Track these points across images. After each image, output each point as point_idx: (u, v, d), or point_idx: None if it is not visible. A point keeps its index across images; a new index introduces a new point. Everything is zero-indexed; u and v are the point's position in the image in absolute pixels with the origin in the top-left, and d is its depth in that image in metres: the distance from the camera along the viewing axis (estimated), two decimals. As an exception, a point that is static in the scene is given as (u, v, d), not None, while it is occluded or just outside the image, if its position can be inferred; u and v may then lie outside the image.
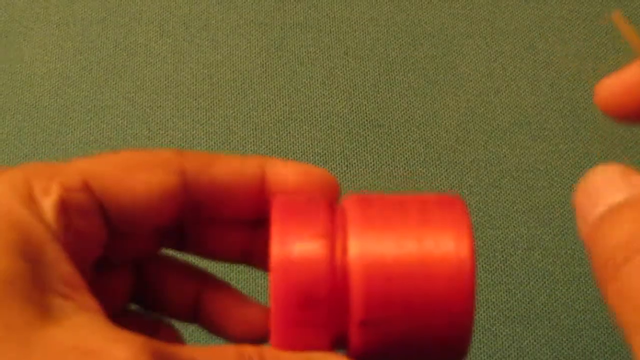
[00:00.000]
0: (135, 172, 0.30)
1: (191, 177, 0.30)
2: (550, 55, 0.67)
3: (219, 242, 0.34)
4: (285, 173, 0.32)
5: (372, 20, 0.68)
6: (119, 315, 0.33)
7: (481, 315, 0.57)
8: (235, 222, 0.34)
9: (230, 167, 0.31)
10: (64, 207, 0.28)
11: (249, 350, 0.27)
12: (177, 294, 0.34)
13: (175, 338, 0.35)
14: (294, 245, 0.28)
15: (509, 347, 0.56)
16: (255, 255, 0.34)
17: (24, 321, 0.25)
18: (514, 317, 0.56)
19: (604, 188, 0.25)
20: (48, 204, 0.27)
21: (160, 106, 0.64)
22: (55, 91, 0.65)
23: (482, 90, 0.65)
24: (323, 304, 0.28)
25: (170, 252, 0.35)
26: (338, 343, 0.30)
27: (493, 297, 0.58)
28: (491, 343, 0.56)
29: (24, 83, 0.65)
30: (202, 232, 0.34)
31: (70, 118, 0.64)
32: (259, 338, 0.34)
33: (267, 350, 0.28)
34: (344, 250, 0.28)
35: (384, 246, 0.28)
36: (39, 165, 0.29)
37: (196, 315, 0.35)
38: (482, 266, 0.59)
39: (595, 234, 0.24)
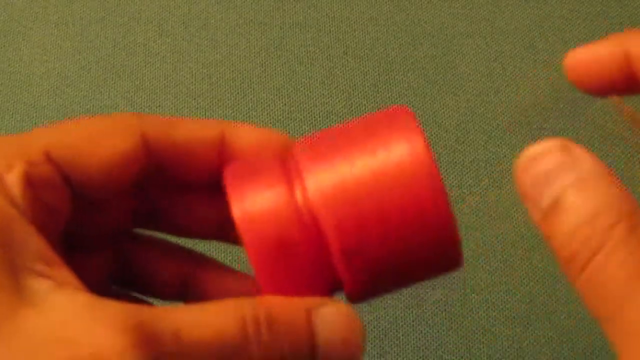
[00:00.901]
0: (97, 139, 0.29)
1: (152, 140, 0.30)
2: (551, 55, 0.66)
3: (191, 216, 0.34)
4: (244, 136, 0.32)
5: (371, 19, 0.68)
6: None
7: (481, 315, 0.57)
8: (206, 195, 0.33)
9: (190, 130, 0.31)
10: (29, 182, 0.27)
11: (251, 304, 0.27)
12: (164, 274, 0.34)
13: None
14: (253, 199, 0.28)
15: (508, 347, 0.56)
16: (232, 229, 0.34)
17: None
18: (514, 317, 0.56)
19: (550, 169, 0.25)
20: (12, 180, 0.27)
21: (159, 106, 0.64)
22: (54, 91, 0.65)
23: (482, 90, 0.65)
24: (299, 246, 0.28)
25: (150, 233, 0.35)
26: (334, 290, 0.29)
27: (493, 297, 0.58)
28: (491, 343, 0.56)
29: (22, 83, 0.65)
30: (173, 207, 0.33)
31: (69, 117, 0.64)
32: None
33: (268, 299, 0.27)
34: (303, 189, 0.28)
35: (338, 172, 0.28)
36: (3, 140, 0.28)
37: (184, 294, 0.34)
38: (482, 266, 0.59)
39: (552, 222, 0.24)
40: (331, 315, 0.28)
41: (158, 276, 0.34)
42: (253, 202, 0.28)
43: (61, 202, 0.29)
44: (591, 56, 0.28)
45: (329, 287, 0.29)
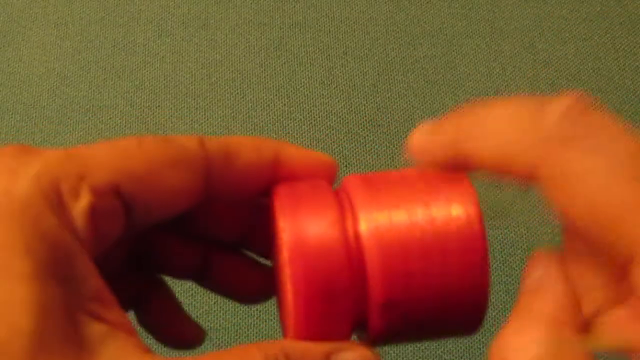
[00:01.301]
0: (162, 172, 0.28)
1: (215, 173, 0.30)
2: (550, 55, 0.66)
3: (219, 222, 0.34)
4: (297, 158, 0.31)
5: (371, 20, 0.68)
6: (118, 273, 0.32)
7: (481, 315, 0.57)
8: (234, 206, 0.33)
9: (249, 155, 0.30)
10: (94, 214, 0.26)
11: (272, 347, 0.27)
12: (183, 253, 0.34)
13: (168, 295, 0.35)
14: (308, 233, 0.27)
15: (508, 347, 0.56)
16: (254, 238, 0.34)
17: None
18: (514, 318, 0.56)
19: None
20: (78, 211, 0.26)
21: (158, 106, 0.64)
22: (53, 91, 0.65)
23: (481, 90, 0.65)
24: (345, 294, 0.27)
25: None
26: (357, 328, 0.29)
27: (493, 297, 0.57)
28: (491, 343, 0.56)
29: (22, 83, 0.65)
30: (205, 214, 0.33)
31: (69, 118, 0.64)
32: (266, 299, 0.34)
33: (289, 344, 0.28)
34: (356, 232, 0.28)
35: (394, 216, 0.28)
36: (64, 158, 0.27)
37: (203, 275, 0.34)
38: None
39: None
40: (351, 357, 0.28)
41: (177, 255, 0.34)
42: (307, 235, 0.27)
43: (119, 231, 0.28)
44: (430, 144, 0.29)
45: (354, 327, 0.29)
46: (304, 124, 0.64)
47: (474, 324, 0.30)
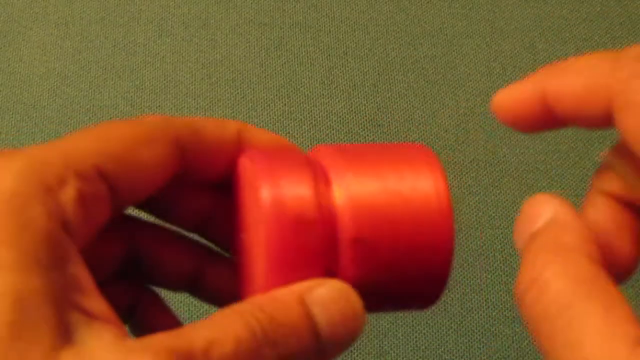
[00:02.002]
0: (139, 149, 0.29)
1: (184, 145, 0.31)
2: (550, 55, 0.66)
3: (183, 206, 0.34)
4: (259, 137, 0.33)
5: (371, 20, 0.68)
6: (108, 282, 0.33)
7: (481, 315, 0.57)
8: (198, 188, 0.34)
9: (214, 130, 0.32)
10: (83, 199, 0.26)
11: (248, 306, 0.27)
12: (174, 263, 0.34)
13: (158, 303, 0.35)
14: (284, 192, 0.29)
15: (508, 347, 0.56)
16: (214, 223, 0.34)
17: (42, 353, 0.24)
18: (514, 317, 0.56)
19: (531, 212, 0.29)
20: (66, 197, 0.26)
21: (159, 106, 0.64)
22: (54, 91, 0.65)
23: (481, 90, 0.65)
24: (314, 224, 0.28)
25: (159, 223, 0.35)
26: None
27: (493, 297, 0.58)
28: (491, 343, 0.56)
29: (22, 83, 0.65)
30: (169, 198, 0.34)
31: (69, 118, 0.64)
32: None
33: (261, 297, 0.28)
34: (329, 196, 0.29)
35: (365, 180, 0.29)
36: (47, 150, 0.27)
37: (194, 284, 0.35)
38: (482, 266, 0.59)
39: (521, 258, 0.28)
40: (325, 295, 0.28)
41: (168, 266, 0.34)
42: (282, 189, 0.29)
43: (104, 214, 0.28)
44: (514, 96, 0.30)
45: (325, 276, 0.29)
46: (304, 124, 0.64)
47: (436, 290, 0.31)
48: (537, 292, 0.26)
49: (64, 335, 0.24)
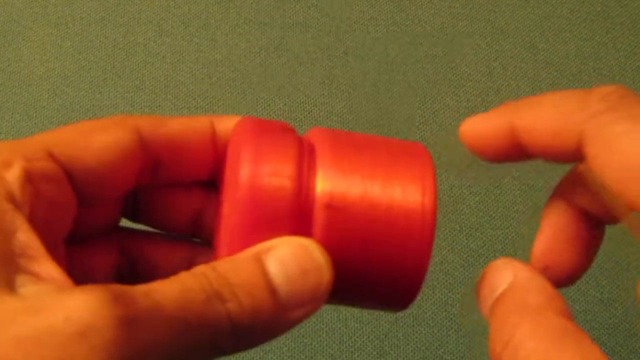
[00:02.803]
0: (93, 134, 0.30)
1: (146, 134, 0.31)
2: (551, 54, 0.66)
3: (170, 207, 0.34)
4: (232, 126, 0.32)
5: (371, 19, 0.68)
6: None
7: (481, 315, 0.57)
8: (187, 187, 0.34)
9: (181, 123, 0.32)
10: (29, 178, 0.28)
11: (200, 269, 0.27)
12: (167, 264, 0.35)
13: None
14: (263, 170, 0.28)
15: (509, 347, 0.56)
16: (205, 224, 0.34)
17: None
18: (514, 318, 0.56)
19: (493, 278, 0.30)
20: (10, 176, 0.27)
21: (159, 106, 0.64)
22: (53, 91, 0.65)
23: (482, 89, 0.65)
24: (285, 190, 0.28)
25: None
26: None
27: (493, 298, 0.58)
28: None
29: (22, 83, 0.65)
30: (154, 199, 0.34)
31: (69, 118, 0.64)
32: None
33: (217, 261, 0.28)
34: (311, 169, 0.29)
35: (349, 190, 0.29)
36: (0, 143, 0.29)
37: None
38: (482, 266, 0.59)
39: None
40: (284, 252, 0.28)
41: (161, 267, 0.34)
42: (261, 168, 0.28)
43: (65, 198, 0.29)
44: (482, 128, 0.31)
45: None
46: (305, 124, 0.64)
47: (407, 292, 0.30)
48: (511, 354, 0.26)
49: (7, 289, 0.25)
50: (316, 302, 0.28)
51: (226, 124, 0.32)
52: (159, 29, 0.67)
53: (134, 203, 0.34)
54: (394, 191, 0.29)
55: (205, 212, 0.34)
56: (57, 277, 0.26)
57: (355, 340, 0.58)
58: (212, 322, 0.26)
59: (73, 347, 0.23)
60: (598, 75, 0.65)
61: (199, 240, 0.36)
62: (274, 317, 0.27)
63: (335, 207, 0.28)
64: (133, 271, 0.35)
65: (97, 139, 0.30)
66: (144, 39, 0.67)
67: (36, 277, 0.26)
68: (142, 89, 0.65)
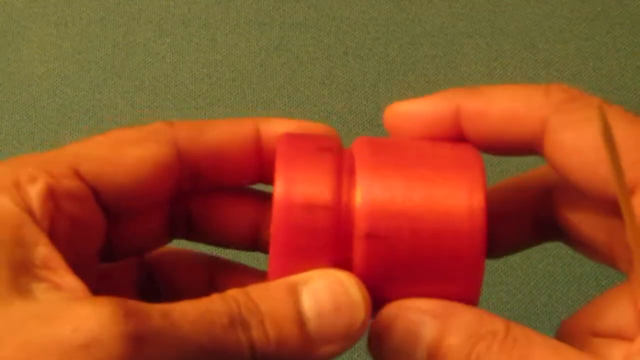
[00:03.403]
0: (125, 149, 0.29)
1: (184, 145, 0.30)
2: (551, 54, 0.66)
3: (225, 222, 0.33)
4: (280, 130, 0.31)
5: (371, 19, 0.68)
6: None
7: (481, 315, 0.57)
8: (242, 197, 0.33)
9: (222, 130, 0.30)
10: (51, 194, 0.27)
11: (232, 293, 0.26)
12: (190, 282, 0.34)
13: None
14: (297, 190, 0.27)
15: (509, 347, 0.56)
16: (265, 234, 0.33)
17: None
18: (514, 318, 0.56)
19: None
20: (34, 191, 0.27)
21: (159, 106, 0.64)
22: (53, 91, 0.65)
23: (482, 89, 0.65)
24: (325, 229, 0.27)
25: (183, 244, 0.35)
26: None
27: (493, 297, 0.57)
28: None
29: (22, 83, 0.65)
30: (207, 213, 0.33)
31: (69, 118, 0.64)
32: None
33: (251, 285, 0.27)
34: (350, 194, 0.28)
35: (392, 185, 0.28)
36: (28, 156, 0.29)
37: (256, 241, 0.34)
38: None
39: None
40: (319, 285, 0.27)
41: (183, 285, 0.34)
42: (296, 187, 0.27)
43: (91, 215, 0.29)
44: (420, 109, 0.30)
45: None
46: (305, 124, 0.64)
47: (468, 290, 0.29)
48: None
49: (21, 292, 0.25)
50: (349, 339, 0.27)
51: (273, 128, 0.31)
52: (159, 29, 0.67)
53: (188, 220, 0.33)
54: (439, 211, 0.28)
55: (264, 223, 0.33)
56: (77, 288, 0.26)
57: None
58: (231, 348, 0.25)
59: (77, 358, 0.23)
60: (598, 75, 0.65)
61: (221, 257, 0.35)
62: (300, 351, 0.26)
63: (375, 236, 0.27)
64: (153, 283, 0.34)
65: (130, 154, 0.29)
66: (143, 39, 0.67)
67: (56, 286, 0.25)
68: (142, 89, 0.65)
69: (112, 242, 0.31)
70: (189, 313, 0.25)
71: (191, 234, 0.34)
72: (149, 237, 0.33)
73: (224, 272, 0.34)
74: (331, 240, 0.27)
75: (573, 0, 0.68)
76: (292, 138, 0.30)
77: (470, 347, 0.27)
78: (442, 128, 0.30)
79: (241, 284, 0.33)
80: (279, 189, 0.28)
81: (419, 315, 0.27)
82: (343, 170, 0.29)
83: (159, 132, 0.30)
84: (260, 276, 0.34)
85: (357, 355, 0.57)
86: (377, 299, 0.28)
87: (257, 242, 0.34)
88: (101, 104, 0.64)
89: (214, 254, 0.35)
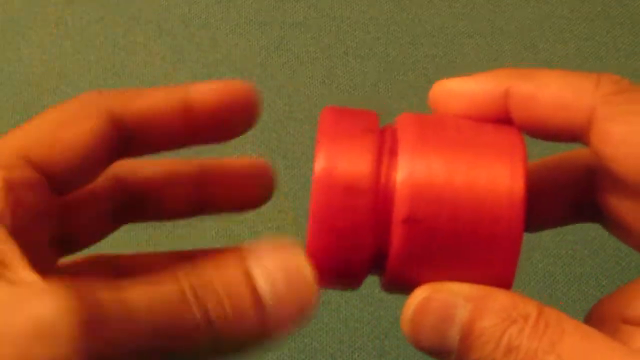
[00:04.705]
0: (66, 128, 0.30)
1: (117, 114, 0.30)
2: (551, 54, 0.66)
3: (166, 194, 0.34)
4: (205, 91, 0.32)
5: (372, 19, 0.68)
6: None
7: (481, 315, 0.57)
8: (175, 167, 0.34)
9: (153, 96, 0.31)
10: (9, 187, 0.27)
11: (187, 269, 0.26)
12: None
13: None
14: (338, 167, 0.28)
15: (509, 347, 0.56)
16: (210, 197, 0.34)
17: None
18: (514, 318, 0.56)
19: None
20: None
21: (159, 106, 0.64)
22: (53, 90, 0.65)
23: (482, 89, 0.65)
24: (364, 206, 0.27)
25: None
26: (377, 263, 0.29)
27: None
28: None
29: (22, 82, 0.65)
30: (148, 189, 0.34)
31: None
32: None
33: (203, 263, 0.27)
34: (390, 178, 0.28)
35: (433, 163, 0.28)
36: None
37: (200, 205, 0.35)
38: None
39: None
40: (272, 264, 0.27)
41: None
42: (336, 160, 0.28)
43: (46, 202, 0.29)
44: (469, 88, 0.30)
45: (370, 259, 0.29)
46: (305, 124, 0.64)
47: (504, 270, 0.29)
48: None
49: None
50: (300, 318, 0.27)
51: (199, 90, 0.32)
52: (159, 29, 0.67)
53: (130, 204, 0.34)
54: (478, 197, 0.28)
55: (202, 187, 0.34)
56: (33, 282, 0.25)
57: (355, 340, 0.58)
58: (188, 326, 0.25)
59: (30, 346, 0.23)
60: (598, 75, 0.65)
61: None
62: (257, 330, 0.26)
63: (413, 220, 0.28)
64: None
65: (71, 131, 0.30)
66: (143, 39, 0.67)
67: (10, 282, 0.25)
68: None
69: (66, 229, 0.31)
70: (142, 292, 0.25)
71: (138, 215, 0.34)
72: (98, 222, 0.33)
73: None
74: (370, 222, 0.28)
75: (573, 0, 0.68)
76: (334, 114, 0.30)
77: (503, 330, 0.27)
78: (490, 109, 0.30)
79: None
80: (320, 167, 0.28)
81: (453, 298, 0.28)
82: (384, 151, 0.29)
83: (94, 103, 0.31)
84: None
85: (357, 355, 0.57)
86: (412, 280, 0.29)
87: (201, 206, 0.35)
88: (101, 104, 0.64)
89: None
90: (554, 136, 0.29)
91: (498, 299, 0.27)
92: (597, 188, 0.31)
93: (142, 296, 0.25)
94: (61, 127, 0.30)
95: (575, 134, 0.29)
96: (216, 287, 0.26)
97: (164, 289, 0.25)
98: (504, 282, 0.29)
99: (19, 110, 0.64)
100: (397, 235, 0.28)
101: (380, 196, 0.28)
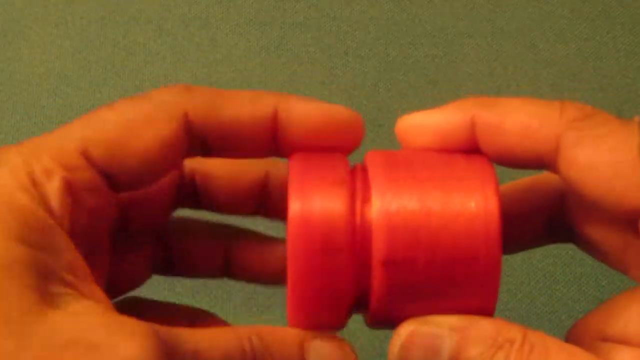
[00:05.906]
0: (135, 130, 0.28)
1: (196, 121, 0.29)
2: (552, 54, 0.66)
3: (230, 192, 0.33)
4: (300, 113, 0.30)
5: (372, 19, 0.68)
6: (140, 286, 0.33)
7: (481, 315, 0.57)
8: (245, 164, 0.33)
9: (239, 106, 0.29)
10: (69, 189, 0.27)
11: (247, 331, 0.27)
12: (205, 253, 0.34)
13: (194, 316, 0.35)
14: (312, 200, 0.27)
15: (509, 348, 0.56)
16: (269, 203, 0.34)
17: (22, 309, 0.24)
18: (514, 317, 0.56)
19: None
20: (51, 189, 0.27)
21: (159, 106, 0.64)
22: (53, 90, 0.65)
23: (482, 90, 0.65)
24: (343, 250, 0.27)
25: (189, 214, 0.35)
26: (357, 307, 0.29)
27: (493, 298, 0.57)
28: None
29: (22, 82, 0.65)
30: (212, 180, 0.33)
31: (69, 118, 0.63)
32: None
33: (265, 328, 0.28)
34: (364, 214, 0.28)
35: (407, 211, 0.28)
36: (36, 143, 0.28)
37: (227, 269, 0.35)
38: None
39: None
40: (324, 346, 0.28)
41: (199, 257, 0.34)
42: (312, 200, 0.28)
43: (104, 203, 0.29)
44: (438, 120, 0.30)
45: (352, 302, 0.29)
46: (305, 124, 0.64)
47: (485, 301, 0.30)
48: None
49: (51, 302, 0.25)
50: None
51: (292, 108, 0.30)
52: (159, 29, 0.67)
53: (193, 189, 0.34)
54: (454, 233, 0.28)
55: (269, 185, 0.33)
56: (101, 299, 0.26)
57: (355, 340, 0.58)
58: None
59: None
60: (598, 75, 0.65)
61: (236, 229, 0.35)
62: None
63: (392, 262, 0.28)
64: (169, 257, 0.35)
65: (141, 136, 0.28)
66: (144, 39, 0.67)
67: (82, 294, 0.26)
68: (142, 89, 0.65)
69: (123, 223, 0.31)
70: (212, 355, 0.26)
71: (196, 203, 0.34)
72: (158, 211, 0.33)
73: (239, 238, 0.34)
74: (349, 267, 0.28)
75: (573, 0, 0.68)
76: (302, 167, 0.29)
77: (490, 357, 0.27)
78: (457, 140, 0.30)
79: (256, 252, 0.34)
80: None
81: (438, 330, 0.28)
82: (356, 198, 0.29)
83: (171, 106, 0.29)
84: (275, 243, 0.34)
85: (357, 355, 0.57)
86: (395, 316, 0.29)
87: (262, 206, 0.34)
88: (101, 104, 0.64)
89: (227, 222, 0.35)
90: (522, 164, 0.29)
91: (482, 327, 0.28)
92: (568, 209, 0.31)
93: (209, 344, 0.26)
94: (131, 130, 0.28)
95: (543, 161, 0.29)
96: (273, 352, 0.27)
97: (229, 343, 0.26)
98: (487, 309, 0.29)
99: (19, 110, 0.64)
100: (377, 278, 0.28)
101: (357, 239, 0.28)
